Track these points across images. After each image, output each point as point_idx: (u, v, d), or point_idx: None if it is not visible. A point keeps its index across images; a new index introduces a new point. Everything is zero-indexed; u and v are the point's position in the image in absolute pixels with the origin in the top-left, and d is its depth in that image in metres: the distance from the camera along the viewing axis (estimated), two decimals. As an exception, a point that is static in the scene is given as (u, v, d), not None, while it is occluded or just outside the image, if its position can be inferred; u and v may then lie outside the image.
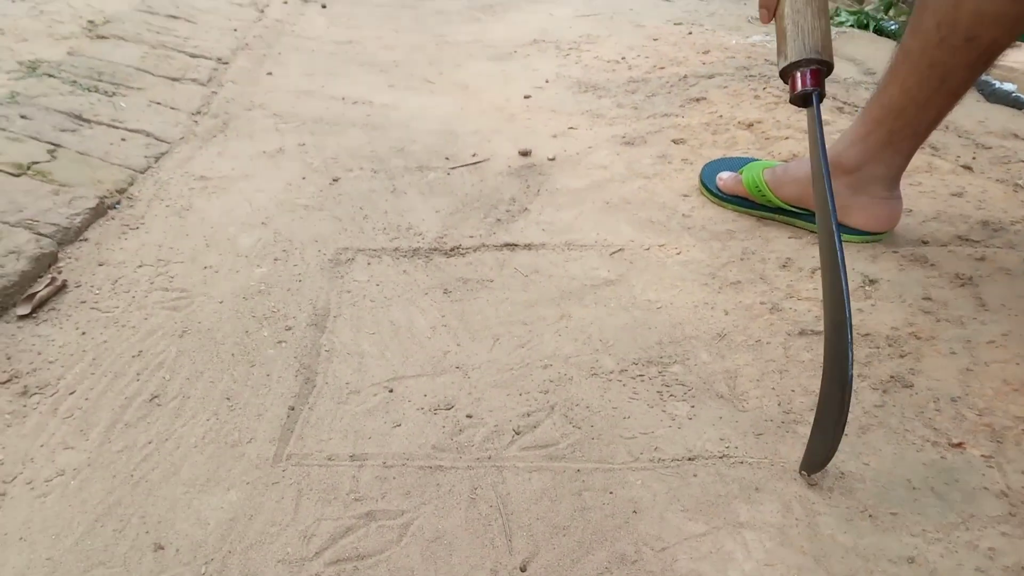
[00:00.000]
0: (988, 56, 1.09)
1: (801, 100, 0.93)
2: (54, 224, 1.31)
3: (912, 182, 1.46)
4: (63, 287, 1.21)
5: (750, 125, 1.78)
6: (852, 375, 0.79)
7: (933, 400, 0.99)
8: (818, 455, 0.87)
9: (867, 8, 3.23)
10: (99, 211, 1.40)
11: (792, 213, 1.36)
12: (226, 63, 2.24)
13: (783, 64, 0.94)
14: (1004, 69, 3.18)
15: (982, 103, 2.12)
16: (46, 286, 1.18)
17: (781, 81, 2.01)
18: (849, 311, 0.79)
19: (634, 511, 0.86)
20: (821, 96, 0.91)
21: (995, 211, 1.38)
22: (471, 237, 1.40)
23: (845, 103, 1.92)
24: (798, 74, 0.92)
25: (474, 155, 1.74)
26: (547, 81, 2.24)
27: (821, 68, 0.92)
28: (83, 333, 1.12)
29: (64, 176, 1.47)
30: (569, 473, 0.91)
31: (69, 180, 1.45)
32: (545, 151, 1.75)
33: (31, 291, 1.17)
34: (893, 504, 0.86)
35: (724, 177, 1.46)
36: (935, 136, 1.75)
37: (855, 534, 0.83)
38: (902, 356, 1.06)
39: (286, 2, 2.97)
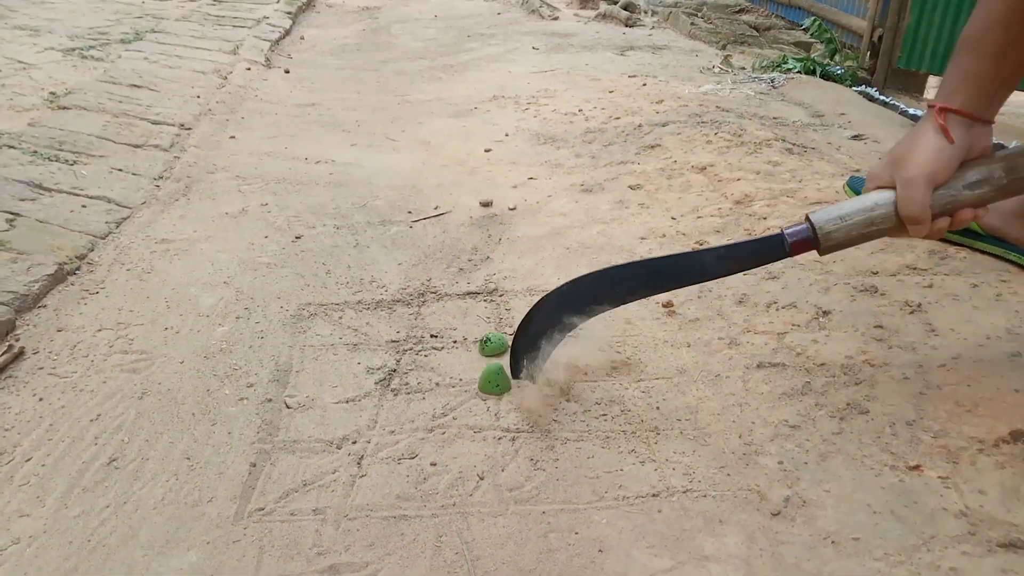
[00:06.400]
0: None
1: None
2: (11, 292, 1.30)
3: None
4: (20, 354, 1.19)
5: (703, 168, 1.83)
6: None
7: (889, 425, 1.00)
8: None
9: (814, 55, 3.36)
10: (58, 277, 1.39)
11: (980, 236, 1.36)
12: (189, 129, 2.26)
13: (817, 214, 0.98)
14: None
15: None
16: (3, 354, 1.17)
17: (732, 126, 2.07)
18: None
19: (600, 550, 0.86)
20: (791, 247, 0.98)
21: (943, 239, 1.42)
22: (434, 288, 1.41)
23: (794, 144, 1.98)
24: (804, 226, 0.98)
25: (436, 208, 1.77)
26: (507, 135, 2.29)
27: (810, 238, 0.97)
28: (40, 399, 1.11)
29: (23, 244, 1.46)
30: (534, 515, 0.91)
31: (28, 248, 1.45)
32: (506, 201, 1.78)
33: (-13, 359, 1.16)
34: (855, 529, 0.86)
35: None
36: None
37: (819, 561, 0.83)
38: (857, 384, 1.08)
39: (249, 69, 3.02)
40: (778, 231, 1.00)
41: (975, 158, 0.97)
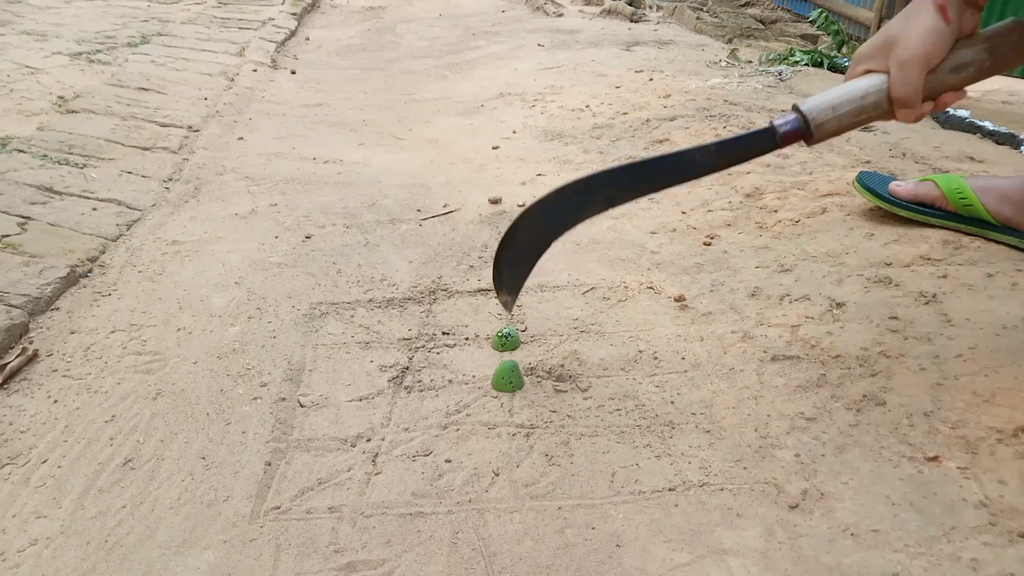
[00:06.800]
0: None
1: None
2: (24, 295, 1.31)
3: (871, 207, 1.49)
4: (34, 357, 1.20)
5: (713, 162, 1.82)
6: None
7: (906, 416, 1.00)
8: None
9: (821, 47, 3.34)
10: (70, 280, 1.40)
11: (992, 227, 1.35)
12: (197, 130, 2.27)
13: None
14: (956, 98, 3.27)
15: (937, 130, 2.19)
16: (17, 356, 1.18)
17: (740, 120, 2.06)
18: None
19: (617, 545, 0.85)
20: (781, 138, 0.95)
21: (955, 230, 1.41)
22: (445, 285, 1.41)
23: (804, 137, 1.96)
24: (794, 116, 0.95)
25: (445, 206, 1.76)
26: (514, 132, 2.29)
27: (800, 129, 0.95)
28: (55, 401, 1.11)
29: (35, 247, 1.47)
30: (551, 511, 0.90)
31: (40, 251, 1.46)
32: (515, 198, 1.77)
33: (1, 362, 1.16)
34: (874, 521, 0.86)
35: (902, 184, 1.45)
36: (893, 163, 1.80)
37: (838, 554, 0.82)
38: (873, 375, 1.07)
39: (255, 70, 3.02)
40: (767, 124, 0.96)
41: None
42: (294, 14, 4.21)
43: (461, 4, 4.93)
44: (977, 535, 0.83)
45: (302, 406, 1.10)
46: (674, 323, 1.25)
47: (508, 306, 1.06)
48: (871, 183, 1.48)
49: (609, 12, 4.42)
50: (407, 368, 1.18)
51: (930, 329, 1.14)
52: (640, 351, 1.19)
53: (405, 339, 1.25)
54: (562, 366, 1.15)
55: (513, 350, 1.20)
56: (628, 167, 1.01)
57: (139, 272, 1.46)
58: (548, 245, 1.05)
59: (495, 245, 1.54)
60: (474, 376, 1.15)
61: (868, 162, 1.79)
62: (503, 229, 1.60)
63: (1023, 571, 0.78)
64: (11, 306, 1.27)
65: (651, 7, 4.66)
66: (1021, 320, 1.12)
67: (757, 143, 0.97)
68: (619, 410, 1.06)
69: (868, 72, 0.96)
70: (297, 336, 1.26)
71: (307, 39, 3.93)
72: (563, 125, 2.31)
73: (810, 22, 4.18)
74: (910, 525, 0.85)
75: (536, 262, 1.06)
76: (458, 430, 1.04)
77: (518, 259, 1.05)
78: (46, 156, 1.91)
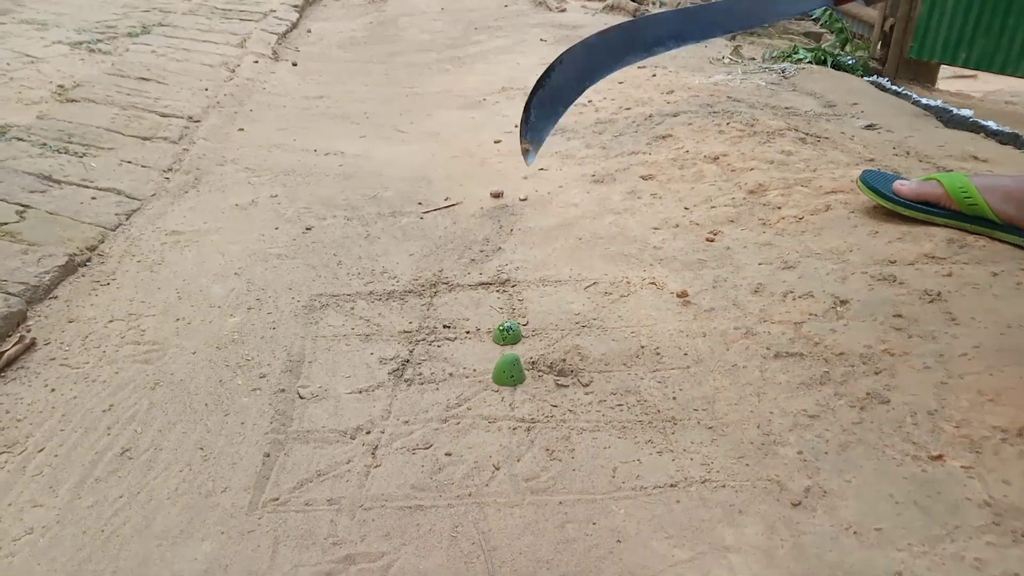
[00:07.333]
0: None
1: None
2: (22, 283, 1.30)
3: (875, 205, 1.48)
4: (32, 345, 1.19)
5: (716, 158, 1.81)
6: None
7: (910, 415, 0.99)
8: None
9: (824, 45, 3.33)
10: (69, 269, 1.39)
11: (997, 226, 1.35)
12: (197, 121, 2.25)
13: None
14: (962, 97, 3.27)
15: (941, 129, 2.18)
16: (14, 344, 1.17)
17: (744, 116, 2.05)
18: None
19: (618, 540, 0.85)
20: None
21: (959, 228, 1.41)
22: (446, 278, 1.40)
23: (807, 134, 1.96)
24: None
25: (447, 199, 1.75)
26: (516, 126, 2.27)
27: None
28: (52, 390, 1.10)
29: (33, 236, 1.46)
30: (551, 506, 0.90)
31: (38, 239, 1.45)
32: (517, 192, 1.77)
33: (-1, 350, 1.15)
34: (877, 520, 0.85)
35: (906, 183, 1.44)
36: (896, 161, 1.79)
37: (841, 552, 0.82)
38: (877, 373, 1.06)
39: (256, 62, 3.01)
40: None
41: None
42: (295, 6, 4.19)
43: (464, -2, 4.91)
44: (981, 535, 0.82)
45: (301, 398, 1.09)
46: (676, 319, 1.25)
47: (529, 155, 1.05)
48: (875, 183, 1.47)
49: (612, 8, 4.40)
50: (407, 361, 1.17)
51: (934, 327, 1.13)
52: (642, 346, 1.18)
53: (406, 332, 1.24)
54: (563, 360, 1.15)
55: (514, 344, 1.19)
56: (679, 11, 0.99)
57: (138, 262, 1.45)
58: (583, 89, 1.04)
59: (497, 239, 1.54)
60: (475, 369, 1.14)
61: (872, 160, 1.78)
62: (504, 223, 1.60)
63: (1027, 571, 0.78)
64: (9, 294, 1.26)
65: (654, 3, 4.64)
66: (1026, 319, 1.12)
67: None
68: (621, 405, 1.06)
69: None
70: (297, 327, 1.25)
71: (308, 31, 3.91)
72: (566, 120, 2.29)
73: (814, 20, 4.16)
74: (914, 524, 0.84)
75: (568, 107, 1.05)
76: (458, 423, 1.03)
77: (551, 101, 1.05)
78: (45, 145, 1.90)
